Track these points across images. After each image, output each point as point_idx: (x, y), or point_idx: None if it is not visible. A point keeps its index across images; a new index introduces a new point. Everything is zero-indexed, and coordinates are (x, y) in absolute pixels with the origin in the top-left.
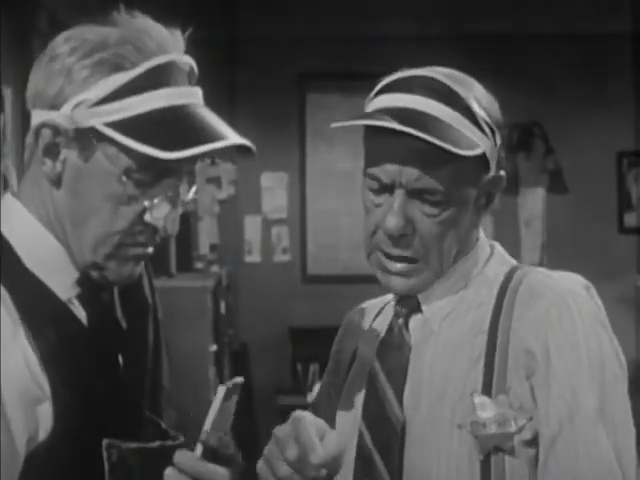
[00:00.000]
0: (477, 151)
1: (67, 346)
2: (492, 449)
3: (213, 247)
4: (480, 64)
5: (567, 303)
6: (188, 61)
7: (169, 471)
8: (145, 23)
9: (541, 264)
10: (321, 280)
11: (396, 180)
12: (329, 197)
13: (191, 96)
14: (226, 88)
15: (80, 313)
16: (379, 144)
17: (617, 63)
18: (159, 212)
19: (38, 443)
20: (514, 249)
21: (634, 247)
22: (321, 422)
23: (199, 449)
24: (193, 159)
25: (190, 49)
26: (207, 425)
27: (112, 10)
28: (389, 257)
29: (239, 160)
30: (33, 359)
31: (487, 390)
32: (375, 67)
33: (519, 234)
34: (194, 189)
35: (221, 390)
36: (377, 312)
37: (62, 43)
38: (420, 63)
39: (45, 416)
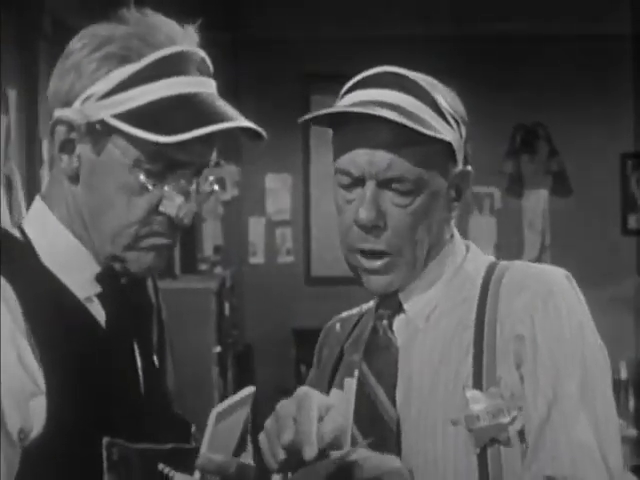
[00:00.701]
0: (443, 137)
1: (80, 343)
2: (488, 441)
3: (217, 249)
4: (484, 65)
5: (552, 291)
6: (199, 52)
7: None
8: (155, 19)
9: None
10: (325, 282)
11: (366, 171)
12: (333, 199)
13: (201, 85)
14: (230, 89)
15: (98, 312)
16: (348, 135)
17: (621, 65)
18: (171, 202)
19: (36, 438)
20: (517, 250)
21: (637, 249)
22: (325, 400)
23: (197, 474)
24: (205, 150)
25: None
26: (203, 448)
27: (119, 10)
28: (364, 254)
29: (243, 162)
30: (29, 355)
31: (478, 382)
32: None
33: (522, 236)
34: (211, 179)
35: (212, 414)
36: (356, 320)
37: (75, 41)
38: (424, 64)
39: (39, 412)
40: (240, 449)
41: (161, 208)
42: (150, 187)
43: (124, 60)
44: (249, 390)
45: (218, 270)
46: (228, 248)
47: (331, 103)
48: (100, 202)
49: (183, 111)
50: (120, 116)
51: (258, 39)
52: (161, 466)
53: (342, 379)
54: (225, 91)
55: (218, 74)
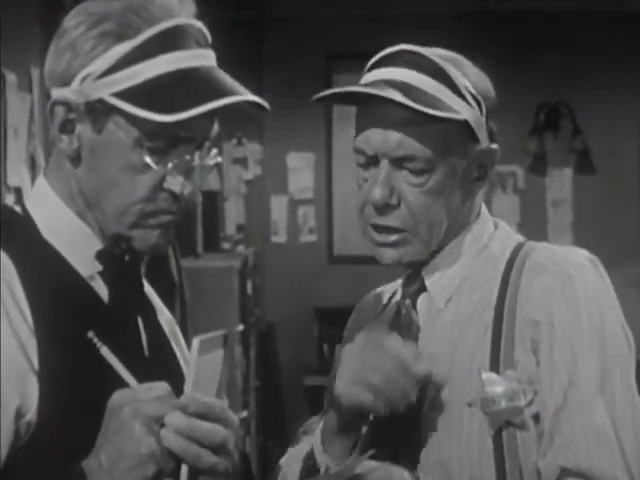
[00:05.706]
0: (454, 116)
1: (81, 319)
2: (503, 424)
3: (240, 227)
4: (507, 43)
5: (571, 276)
6: (195, 24)
7: (164, 432)
8: None
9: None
10: (347, 260)
11: (379, 150)
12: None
13: (200, 58)
14: (253, 68)
15: (101, 288)
16: (363, 114)
17: None
18: (176, 179)
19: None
20: (540, 230)
21: None
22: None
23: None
24: (206, 124)
25: (217, 29)
26: (188, 384)
27: None
28: (377, 229)
29: (265, 140)
30: (25, 333)
31: (495, 365)
32: None
33: (546, 214)
34: (214, 152)
35: (195, 342)
36: (389, 297)
37: (69, 19)
38: (447, 42)
39: (33, 392)
40: (218, 396)
41: (165, 185)
42: (154, 166)
43: (121, 37)
44: (224, 331)
45: (240, 249)
46: (251, 227)
47: (354, 81)
48: (103, 182)
49: (183, 88)
50: (120, 95)
51: (281, 18)
52: (90, 334)
53: None
54: (249, 70)
55: (243, 53)
